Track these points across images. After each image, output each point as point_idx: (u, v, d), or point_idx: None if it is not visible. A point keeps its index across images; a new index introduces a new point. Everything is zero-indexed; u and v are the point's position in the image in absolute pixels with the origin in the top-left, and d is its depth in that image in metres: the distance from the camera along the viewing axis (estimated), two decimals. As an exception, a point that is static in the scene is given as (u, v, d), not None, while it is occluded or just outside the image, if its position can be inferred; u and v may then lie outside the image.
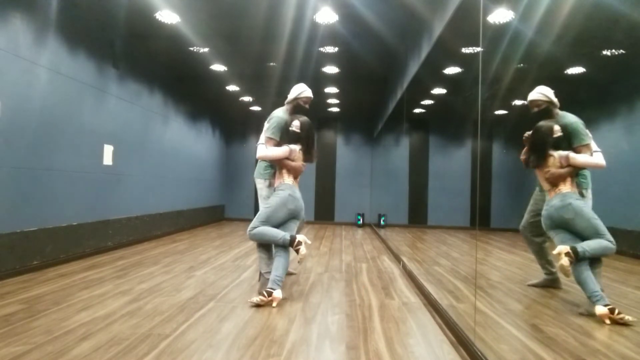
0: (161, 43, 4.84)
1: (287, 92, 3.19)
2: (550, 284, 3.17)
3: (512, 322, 2.46)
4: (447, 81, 5.48)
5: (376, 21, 4.05)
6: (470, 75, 4.35)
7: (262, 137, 3.03)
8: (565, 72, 3.61)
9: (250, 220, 2.95)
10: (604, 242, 2.56)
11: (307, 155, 3.06)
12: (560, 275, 2.89)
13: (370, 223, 8.77)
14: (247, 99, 7.61)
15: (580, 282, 2.51)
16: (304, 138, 3.02)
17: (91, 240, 4.26)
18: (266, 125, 3.04)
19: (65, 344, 1.94)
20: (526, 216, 3.27)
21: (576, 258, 2.51)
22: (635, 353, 1.98)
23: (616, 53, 3.05)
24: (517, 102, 4.70)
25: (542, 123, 2.87)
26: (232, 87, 6.78)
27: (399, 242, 6.35)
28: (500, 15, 2.99)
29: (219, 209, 8.94)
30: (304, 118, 3.06)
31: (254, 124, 9.12)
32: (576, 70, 3.55)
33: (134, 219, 5.15)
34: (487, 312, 2.63)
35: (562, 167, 2.74)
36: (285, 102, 3.18)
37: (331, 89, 6.78)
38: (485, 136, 8.10)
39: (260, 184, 3.10)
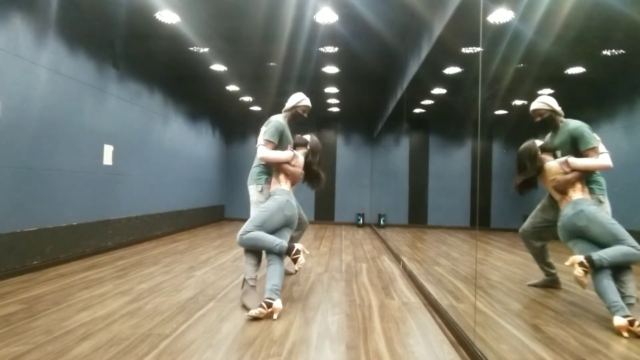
0: (161, 43, 4.84)
1: (288, 92, 3.19)
2: (551, 284, 3.16)
3: (512, 322, 2.46)
4: (447, 81, 5.47)
5: (376, 21, 4.05)
6: (470, 75, 4.35)
7: (260, 139, 2.93)
8: (565, 72, 3.61)
9: (250, 220, 2.94)
10: (624, 248, 2.37)
11: (315, 181, 3.10)
12: (576, 286, 2.67)
13: (370, 223, 8.77)
14: (247, 99, 7.61)
15: (600, 293, 2.32)
16: (311, 154, 3.06)
17: (91, 240, 4.27)
18: (263, 129, 2.95)
19: (65, 344, 1.95)
20: (530, 220, 3.14)
21: (592, 267, 2.35)
22: (636, 353, 1.98)
23: (616, 53, 3.05)
24: (517, 102, 4.69)
25: (521, 147, 2.93)
26: (232, 87, 6.78)
27: (399, 242, 6.35)
28: (500, 15, 2.99)
29: (219, 209, 8.94)
30: (316, 138, 3.13)
31: (254, 124, 9.11)
32: (576, 70, 3.55)
33: (134, 219, 5.15)
34: (487, 312, 2.63)
35: (565, 173, 2.71)
36: (283, 110, 3.13)
37: (331, 89, 6.78)
38: (485, 136, 8.09)
39: (253, 190, 2.96)
